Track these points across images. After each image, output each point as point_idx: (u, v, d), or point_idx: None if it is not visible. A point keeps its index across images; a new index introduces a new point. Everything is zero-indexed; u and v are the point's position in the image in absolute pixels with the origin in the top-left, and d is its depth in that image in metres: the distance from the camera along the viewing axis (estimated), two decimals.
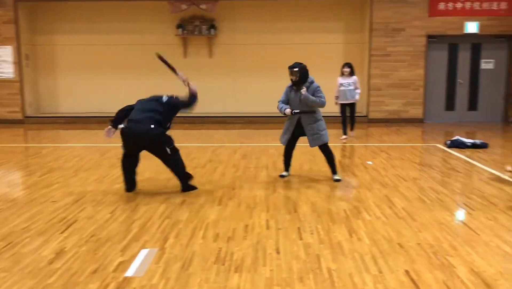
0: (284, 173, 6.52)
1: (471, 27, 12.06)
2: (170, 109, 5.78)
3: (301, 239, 4.20)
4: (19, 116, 12.54)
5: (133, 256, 3.86)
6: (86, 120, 12.44)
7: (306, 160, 7.57)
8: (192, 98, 5.93)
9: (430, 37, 12.27)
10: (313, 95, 6.02)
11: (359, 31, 12.89)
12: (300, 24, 12.97)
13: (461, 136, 9.02)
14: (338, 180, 6.23)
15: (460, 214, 4.90)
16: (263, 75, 13.11)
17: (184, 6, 12.23)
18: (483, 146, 8.63)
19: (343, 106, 9.64)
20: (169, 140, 5.63)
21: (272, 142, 9.40)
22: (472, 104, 12.70)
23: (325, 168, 7.02)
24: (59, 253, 3.91)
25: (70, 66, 13.19)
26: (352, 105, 9.63)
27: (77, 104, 13.20)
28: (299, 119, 6.15)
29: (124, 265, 3.70)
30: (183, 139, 9.74)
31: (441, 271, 3.56)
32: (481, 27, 12.06)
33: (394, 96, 12.35)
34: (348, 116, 9.68)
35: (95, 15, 12.96)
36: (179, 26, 12.73)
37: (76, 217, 4.83)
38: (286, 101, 6.23)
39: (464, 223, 4.60)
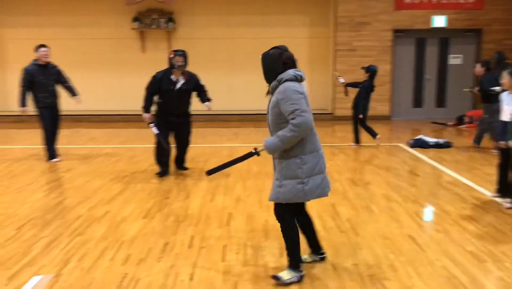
0: None
1: (439, 21, 11.67)
2: None
3: (223, 260, 3.67)
4: None
5: (20, 285, 3.28)
6: (37, 119, 11.69)
7: (254, 162, 7.04)
8: None
9: (396, 31, 11.84)
10: (279, 108, 3.17)
11: (324, 25, 12.40)
12: (263, 17, 12.42)
13: (424, 136, 8.61)
14: (276, 278, 3.28)
15: (408, 226, 4.42)
16: (223, 70, 12.55)
17: None
18: (446, 145, 8.23)
19: None
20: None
21: (227, 143, 8.87)
22: (440, 101, 12.34)
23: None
24: None
25: (20, 62, 12.31)
26: None
27: (28, 101, 12.42)
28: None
29: None
30: (132, 140, 9.14)
31: None
32: (448, 21, 11.68)
33: None
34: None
35: (46, 7, 12.21)
36: (135, 19, 12.06)
37: None
38: None
39: (411, 237, 4.12)
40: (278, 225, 4.31)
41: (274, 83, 3.25)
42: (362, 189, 5.68)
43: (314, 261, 3.61)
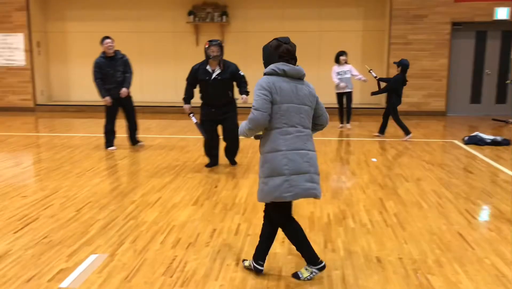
0: None
1: (501, 13, 11.16)
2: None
3: None
4: (30, 104, 12.47)
5: (78, 263, 3.51)
6: (95, 109, 12.23)
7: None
8: None
9: (455, 24, 11.44)
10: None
11: (379, 18, 12.17)
12: (317, 10, 12.35)
13: (481, 132, 8.31)
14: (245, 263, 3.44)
15: (458, 223, 4.33)
16: None
17: None
18: (504, 143, 7.91)
19: (340, 95, 9.50)
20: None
21: None
22: (501, 97, 11.83)
23: (324, 165, 6.54)
24: (1, 257, 3.61)
25: (81, 54, 13.00)
26: (348, 94, 9.43)
27: (88, 92, 12.99)
28: None
29: (63, 273, 3.35)
30: (185, 130, 9.40)
31: None
32: None
33: (414, 88, 11.60)
34: (345, 108, 9.54)
35: (106, 2, 12.72)
36: (190, 13, 12.33)
37: (38, 215, 4.53)
38: None
39: (460, 234, 4.05)
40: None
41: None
42: (413, 184, 5.60)
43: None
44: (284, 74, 3.10)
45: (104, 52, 7.43)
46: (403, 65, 8.40)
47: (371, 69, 9.21)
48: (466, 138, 8.15)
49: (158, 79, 12.77)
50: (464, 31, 11.55)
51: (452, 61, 11.61)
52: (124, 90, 7.40)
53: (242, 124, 3.18)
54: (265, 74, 3.16)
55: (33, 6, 12.31)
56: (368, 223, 4.30)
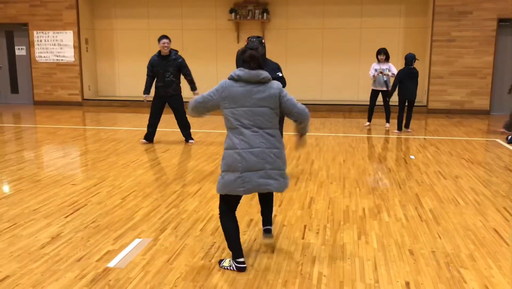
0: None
1: None
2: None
3: (303, 238, 3.89)
4: (78, 98, 13.03)
5: (124, 246, 3.75)
6: (139, 104, 12.66)
7: (340, 151, 7.15)
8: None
9: (501, 20, 11.15)
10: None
11: (422, 15, 12.01)
12: (357, 7, 12.32)
13: None
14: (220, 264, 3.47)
15: (494, 220, 4.32)
16: (317, 61, 12.65)
17: None
18: None
19: (375, 92, 9.42)
20: None
21: (313, 132, 9.03)
22: None
23: (361, 161, 6.60)
24: (54, 238, 3.89)
25: (127, 51, 13.48)
26: (384, 93, 9.32)
27: (133, 88, 13.47)
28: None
29: (110, 254, 3.60)
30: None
31: (447, 285, 3.12)
32: None
33: (457, 85, 11.42)
34: (380, 105, 9.47)
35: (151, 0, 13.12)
36: (231, 10, 12.54)
37: (87, 201, 4.82)
38: None
39: (496, 231, 4.05)
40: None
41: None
42: (450, 181, 5.59)
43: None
44: (239, 79, 3.25)
45: (159, 51, 7.62)
46: (405, 59, 8.89)
47: (381, 72, 9.20)
48: (510, 137, 7.99)
49: (200, 76, 13.03)
50: (511, 28, 11.24)
51: (497, 58, 11.33)
52: (196, 93, 7.70)
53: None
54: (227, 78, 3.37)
55: (82, 5, 12.85)
56: (403, 218, 4.36)
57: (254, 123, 3.23)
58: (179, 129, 7.99)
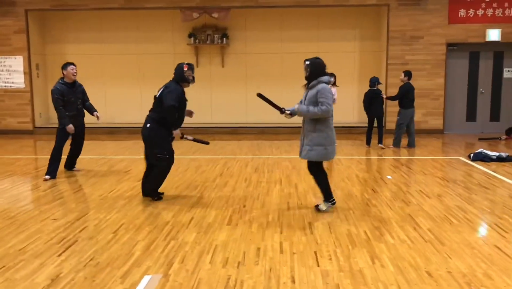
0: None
1: (493, 34, 11.60)
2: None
3: (318, 265, 3.82)
4: (29, 126, 12.36)
5: (134, 284, 3.51)
6: (95, 131, 12.19)
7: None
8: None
9: (450, 45, 11.84)
10: (316, 98, 4.99)
11: (376, 39, 12.52)
12: (315, 32, 12.64)
13: (485, 149, 8.57)
14: (317, 208, 5.28)
15: (492, 237, 4.47)
16: (276, 84, 12.79)
17: (196, 15, 11.99)
18: (509, 159, 8.15)
19: None
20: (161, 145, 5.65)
21: (285, 155, 9.06)
22: (494, 115, 12.21)
23: (343, 183, 6.66)
24: (54, 280, 3.58)
25: (80, 76, 12.90)
26: None
27: (88, 115, 12.96)
28: (303, 123, 5.32)
29: None
30: (193, 150, 9.42)
31: None
32: (503, 34, 11.60)
33: None
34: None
35: (105, 24, 12.79)
36: (190, 35, 12.49)
37: (76, 237, 4.51)
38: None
39: (498, 248, 4.17)
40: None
41: (314, 82, 5.10)
42: (436, 200, 5.74)
43: None
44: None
45: (63, 78, 7.16)
46: (370, 81, 9.79)
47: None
48: (472, 155, 8.38)
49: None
50: (459, 52, 11.95)
51: (448, 80, 11.97)
52: (98, 115, 7.49)
53: (317, 109, 5.02)
54: (319, 81, 5.11)
55: (32, 29, 12.31)
56: (407, 239, 4.40)
57: None
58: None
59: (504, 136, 10.85)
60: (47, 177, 6.98)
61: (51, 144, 10.29)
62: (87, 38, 12.83)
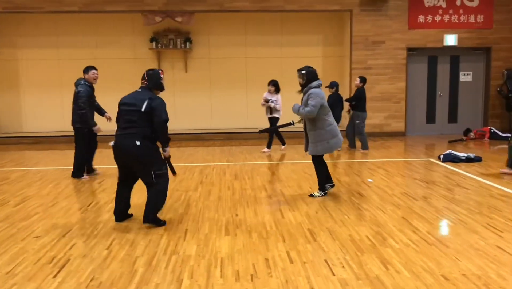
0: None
1: (450, 39, 12.07)
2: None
3: (333, 274, 3.73)
4: None
5: None
6: (54, 140, 11.59)
7: (300, 178, 7.16)
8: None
9: (410, 50, 12.19)
10: (306, 101, 5.80)
11: (339, 44, 12.69)
12: (279, 37, 12.65)
13: (453, 150, 8.84)
14: (312, 196, 6.08)
15: (490, 237, 4.56)
16: (240, 89, 12.69)
17: (158, 19, 11.67)
18: (477, 159, 8.46)
19: (269, 119, 10.01)
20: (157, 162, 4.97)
21: (260, 161, 8.96)
22: (452, 117, 12.68)
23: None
24: None
25: (35, 82, 12.34)
26: (271, 120, 9.90)
27: (44, 122, 12.33)
28: (304, 123, 6.07)
29: None
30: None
31: None
32: (459, 39, 12.09)
33: (376, 110, 12.16)
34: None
35: (61, 28, 12.22)
36: (152, 39, 12.15)
37: (68, 256, 4.18)
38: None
39: (500, 248, 4.26)
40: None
41: (306, 88, 5.83)
42: (423, 203, 5.82)
43: None
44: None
45: (86, 80, 7.36)
46: (335, 86, 9.80)
47: (266, 101, 9.84)
48: (442, 156, 8.63)
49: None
50: (418, 56, 12.33)
51: (409, 84, 12.31)
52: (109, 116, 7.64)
53: (303, 109, 5.85)
54: (311, 86, 5.92)
55: None
56: (411, 243, 4.41)
57: None
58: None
59: (465, 138, 11.28)
60: (86, 176, 7.40)
61: (5, 155, 9.64)
62: (42, 43, 12.19)
